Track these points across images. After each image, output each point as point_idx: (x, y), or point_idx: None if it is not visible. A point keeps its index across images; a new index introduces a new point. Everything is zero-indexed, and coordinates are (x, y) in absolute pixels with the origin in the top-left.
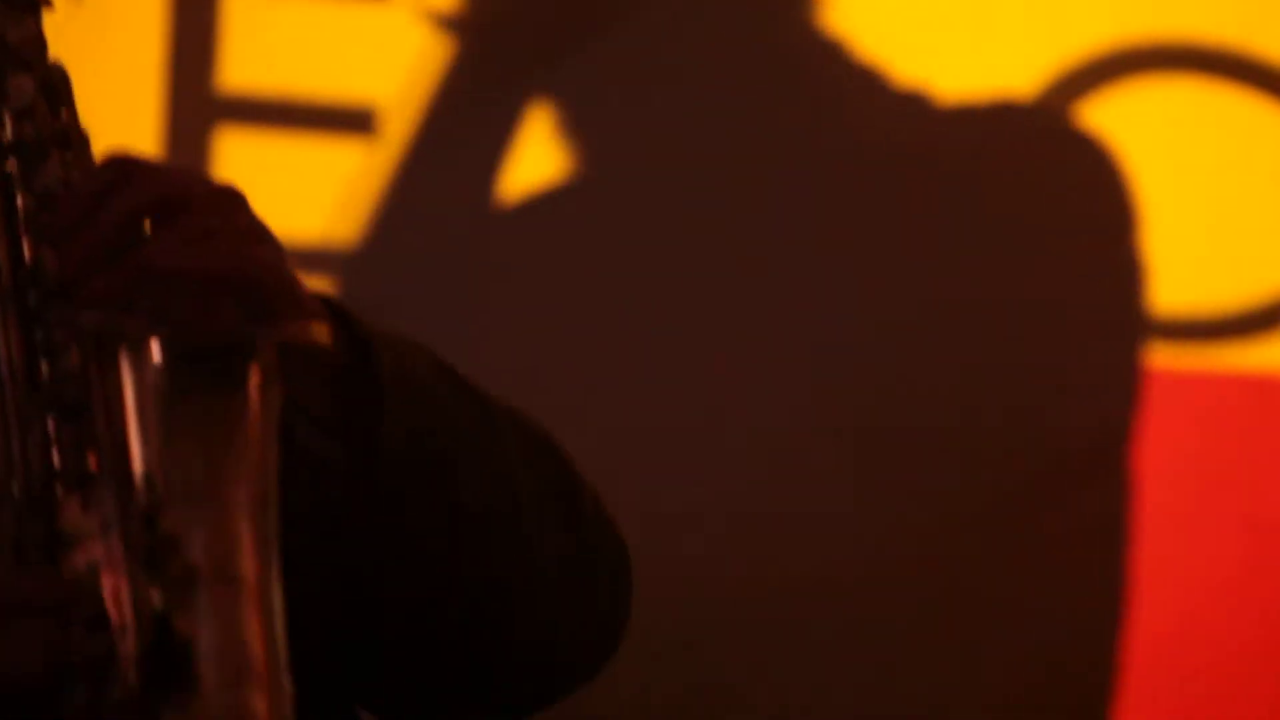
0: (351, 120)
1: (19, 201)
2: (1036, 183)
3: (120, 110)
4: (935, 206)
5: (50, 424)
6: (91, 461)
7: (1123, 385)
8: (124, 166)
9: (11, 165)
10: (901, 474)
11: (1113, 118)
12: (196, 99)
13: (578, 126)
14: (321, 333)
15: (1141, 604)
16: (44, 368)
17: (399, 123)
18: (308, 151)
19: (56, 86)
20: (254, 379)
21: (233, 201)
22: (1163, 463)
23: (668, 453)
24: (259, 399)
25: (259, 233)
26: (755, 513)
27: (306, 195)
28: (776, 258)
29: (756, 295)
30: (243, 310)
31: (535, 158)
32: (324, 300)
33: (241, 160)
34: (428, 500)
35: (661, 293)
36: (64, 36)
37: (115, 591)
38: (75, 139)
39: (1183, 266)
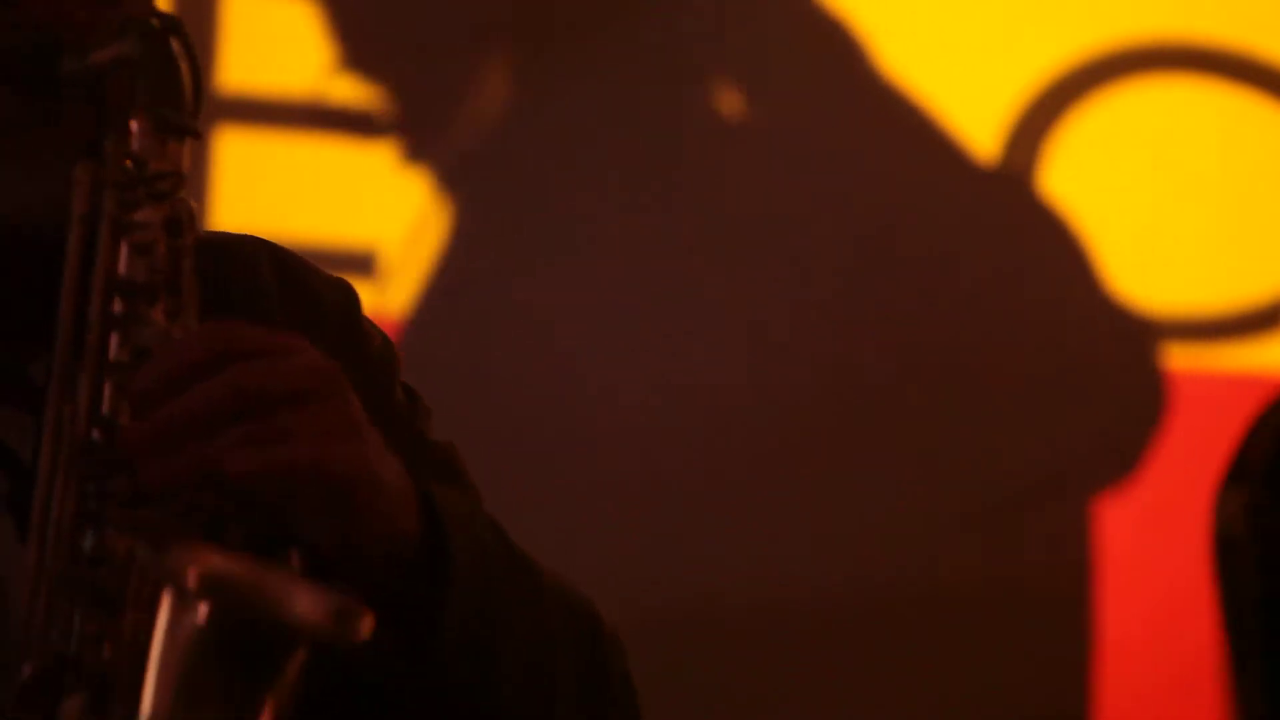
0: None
1: (113, 344)
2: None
3: None
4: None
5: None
6: (107, 653)
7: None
8: (225, 342)
9: (116, 304)
10: (892, 484)
11: (1113, 118)
12: None
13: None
14: (367, 625)
15: (1141, 600)
16: (88, 537)
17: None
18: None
19: (182, 223)
20: (292, 670)
21: (326, 388)
22: (1164, 462)
23: (666, 456)
24: (290, 683)
25: (345, 426)
26: (752, 525)
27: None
28: (777, 272)
29: (755, 306)
30: (316, 511)
31: None
32: (412, 482)
33: None
34: (469, 688)
35: (661, 298)
36: None
37: None
38: (186, 285)
39: (1183, 267)
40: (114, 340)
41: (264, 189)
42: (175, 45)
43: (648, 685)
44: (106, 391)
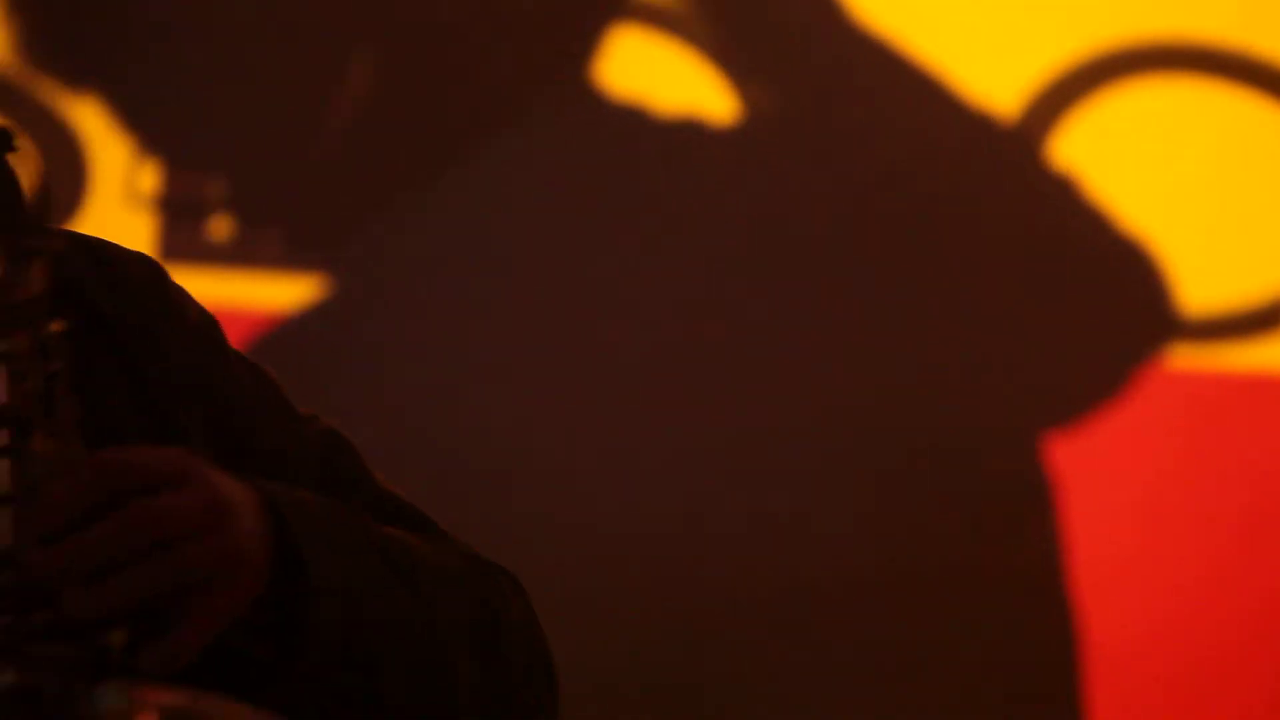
0: None
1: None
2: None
3: None
4: (916, 242)
5: None
6: None
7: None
8: (120, 477)
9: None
10: (886, 483)
11: (1113, 118)
12: None
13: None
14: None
15: (1141, 599)
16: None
17: None
18: None
19: (49, 347)
20: None
21: (215, 520)
22: (1163, 461)
23: (660, 461)
24: None
25: (234, 553)
26: (748, 516)
27: None
28: (773, 273)
29: (752, 308)
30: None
31: None
32: (266, 499)
33: None
34: (354, 697)
35: (660, 302)
36: None
37: None
38: (62, 408)
39: (1182, 267)
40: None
41: None
42: (10, 159)
43: (632, 674)
44: None
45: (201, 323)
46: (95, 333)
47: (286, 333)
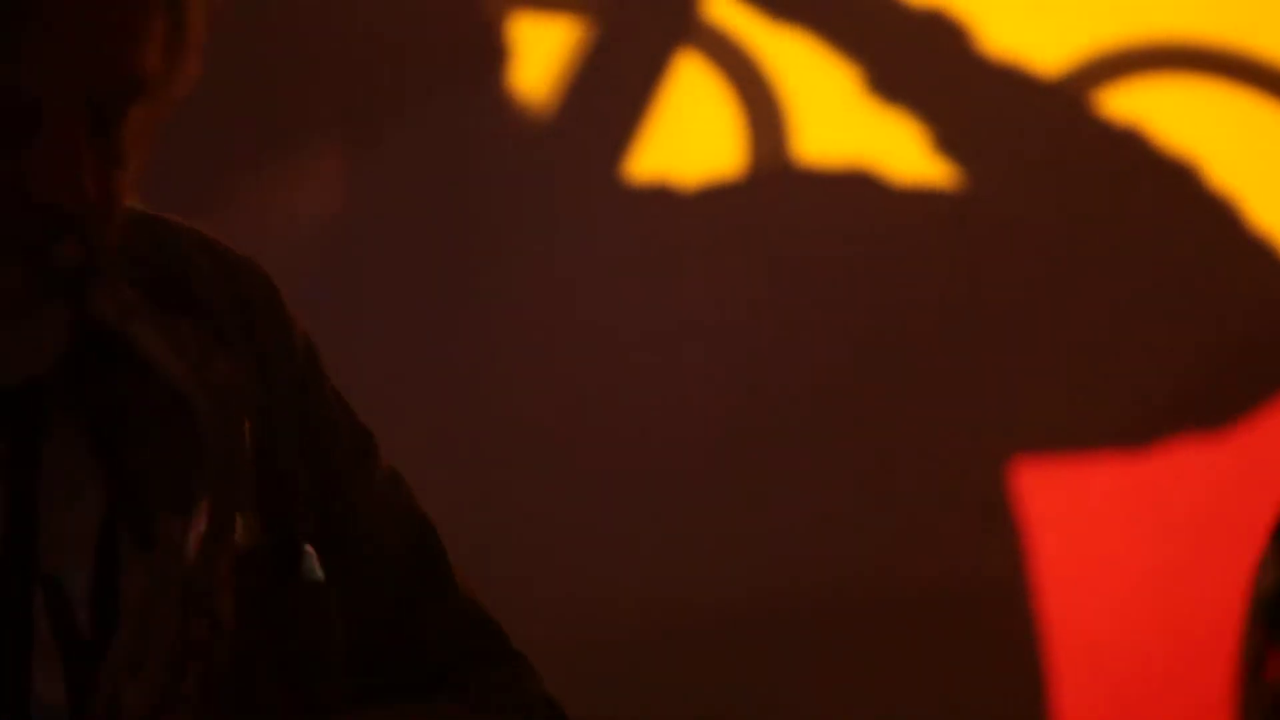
0: None
1: None
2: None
3: None
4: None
5: None
6: None
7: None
8: None
9: None
10: (904, 473)
11: (1113, 118)
12: None
13: None
14: None
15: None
16: None
17: None
18: None
19: None
20: None
21: None
22: (1162, 460)
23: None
24: None
25: None
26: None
27: None
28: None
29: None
30: None
31: None
32: None
33: None
34: None
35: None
36: None
37: None
38: None
39: None
40: None
41: None
42: None
43: (622, 690)
44: None
45: (307, 358)
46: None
47: None
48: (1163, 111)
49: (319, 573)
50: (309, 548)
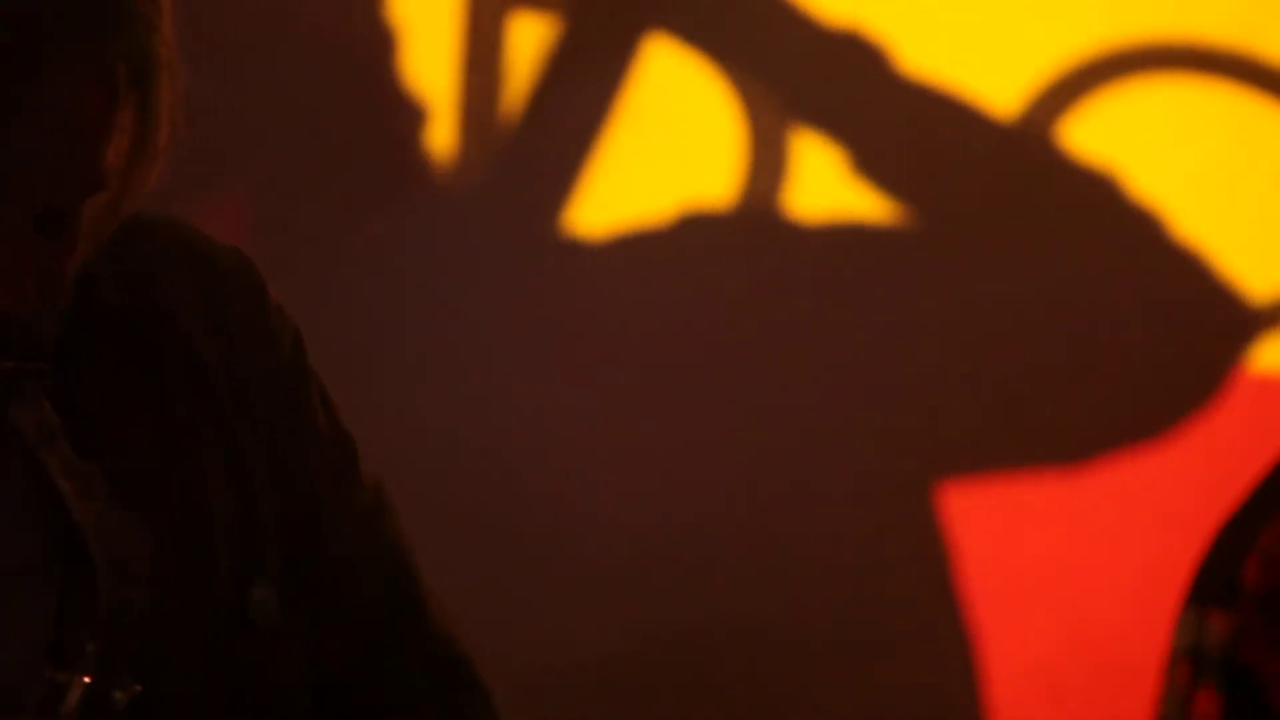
0: None
1: None
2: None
3: None
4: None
5: None
6: None
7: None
8: None
9: None
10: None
11: (1113, 118)
12: None
13: None
14: None
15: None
16: None
17: None
18: None
19: None
20: None
21: None
22: (1162, 460)
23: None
24: None
25: None
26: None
27: None
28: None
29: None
30: None
31: None
32: None
33: None
34: None
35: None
36: None
37: None
38: None
39: None
40: None
41: None
42: None
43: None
44: None
45: (292, 360)
46: (173, 341)
47: None
48: (1161, 112)
49: (273, 614)
50: (261, 590)
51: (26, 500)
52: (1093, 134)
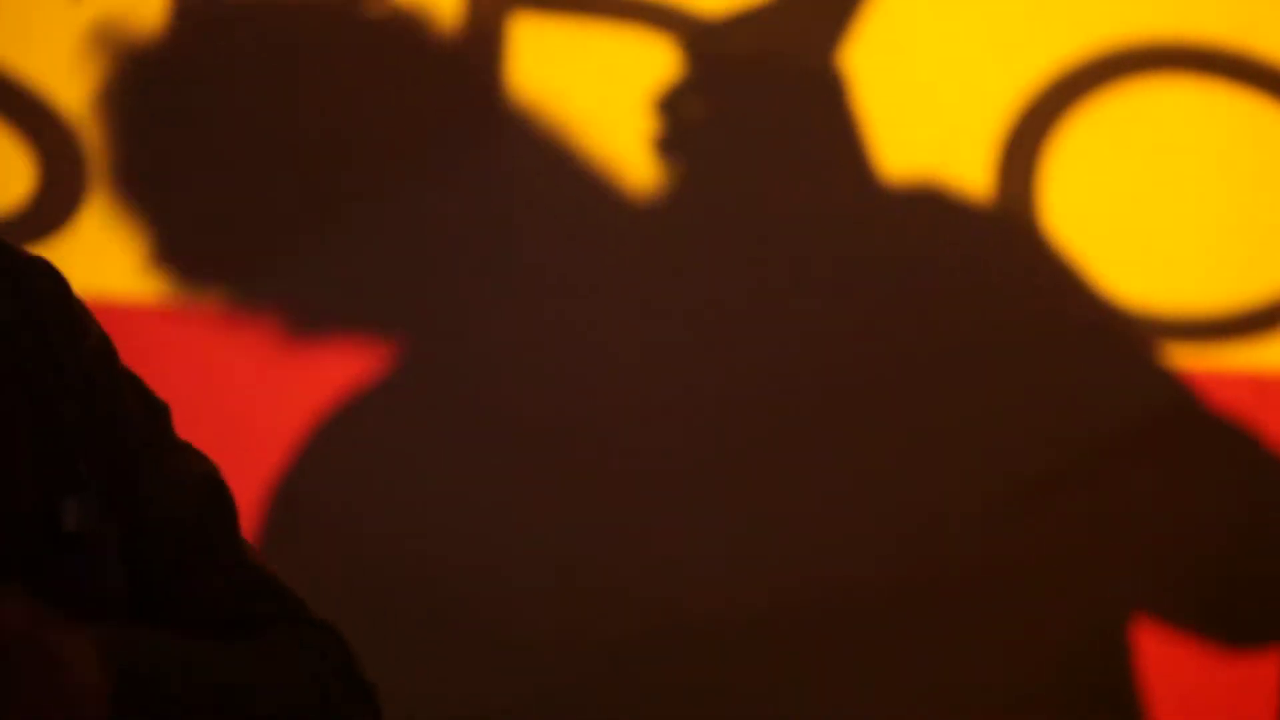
0: None
1: None
2: None
3: None
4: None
5: None
6: None
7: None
8: None
9: None
10: (908, 470)
11: (1112, 118)
12: None
13: None
14: None
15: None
16: None
17: None
18: None
19: None
20: None
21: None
22: (1162, 460)
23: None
24: None
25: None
26: (761, 516)
27: None
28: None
29: (763, 291)
30: None
31: None
32: (104, 652)
33: None
34: None
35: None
36: None
37: None
38: None
39: (1182, 266)
40: None
41: None
42: None
43: (654, 690)
44: None
45: (100, 345)
46: None
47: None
48: (1160, 113)
49: (86, 523)
50: (71, 502)
51: None
52: (1091, 135)
